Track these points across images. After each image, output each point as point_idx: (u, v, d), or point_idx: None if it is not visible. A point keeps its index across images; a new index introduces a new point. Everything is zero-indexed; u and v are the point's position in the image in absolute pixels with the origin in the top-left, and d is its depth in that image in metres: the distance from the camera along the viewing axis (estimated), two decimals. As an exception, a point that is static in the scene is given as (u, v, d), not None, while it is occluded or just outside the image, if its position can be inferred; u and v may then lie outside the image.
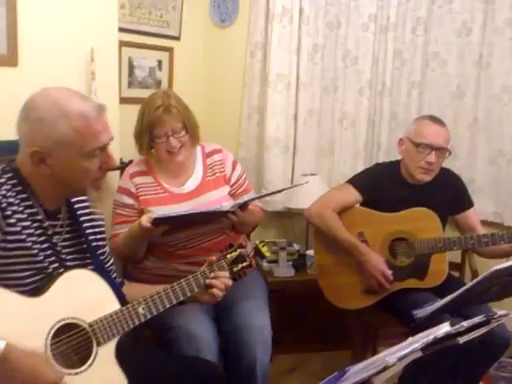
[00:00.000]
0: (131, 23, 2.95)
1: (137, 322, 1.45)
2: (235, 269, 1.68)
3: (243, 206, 2.00)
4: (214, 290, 1.60)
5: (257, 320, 1.98)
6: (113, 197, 2.58)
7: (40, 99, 1.39)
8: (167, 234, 2.00)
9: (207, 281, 1.60)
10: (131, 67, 3.02)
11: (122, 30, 2.67)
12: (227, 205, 2.00)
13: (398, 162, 2.43)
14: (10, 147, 2.10)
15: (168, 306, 1.52)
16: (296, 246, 3.15)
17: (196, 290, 1.59)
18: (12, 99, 2.16)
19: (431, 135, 2.25)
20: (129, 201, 2.12)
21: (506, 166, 3.09)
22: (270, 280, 2.79)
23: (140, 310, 1.46)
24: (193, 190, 2.15)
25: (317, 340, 2.95)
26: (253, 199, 2.11)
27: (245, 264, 1.71)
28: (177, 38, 3.21)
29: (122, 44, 2.78)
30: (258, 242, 3.13)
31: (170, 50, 3.17)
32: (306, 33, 3.16)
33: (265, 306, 2.08)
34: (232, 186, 2.22)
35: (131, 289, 1.62)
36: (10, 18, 2.11)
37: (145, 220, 1.89)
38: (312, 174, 3.16)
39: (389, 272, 2.21)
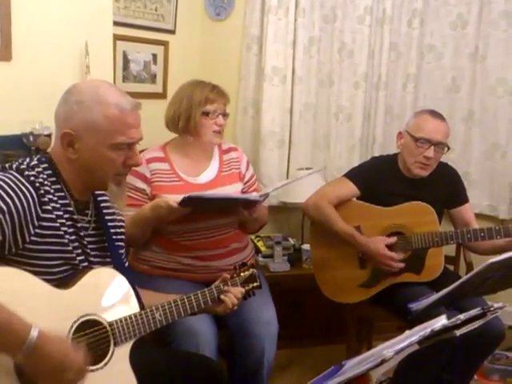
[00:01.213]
0: (126, 17, 2.93)
1: (153, 328, 1.48)
2: (246, 288, 1.74)
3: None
4: (227, 302, 1.66)
5: (265, 314, 2.01)
6: (124, 194, 2.57)
7: (83, 85, 1.46)
8: (180, 221, 2.02)
9: (221, 296, 1.66)
10: (126, 61, 3.00)
11: (116, 23, 2.65)
12: (255, 194, 2.06)
13: (395, 156, 2.43)
14: (6, 142, 2.10)
15: (183, 315, 1.57)
16: (291, 241, 3.15)
17: (210, 303, 1.64)
18: (5, 94, 2.16)
19: (431, 130, 2.25)
20: (141, 185, 2.11)
21: (501, 159, 3.10)
22: (266, 275, 2.78)
23: (157, 315, 1.50)
24: (207, 182, 2.16)
25: (312, 334, 2.96)
26: (277, 188, 2.17)
27: (255, 284, 1.77)
28: (172, 32, 3.19)
29: (117, 38, 2.77)
30: (253, 236, 3.13)
31: (165, 43, 3.15)
32: (302, 26, 3.15)
33: (271, 301, 2.10)
34: (245, 184, 2.26)
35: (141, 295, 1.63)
36: (4, 12, 2.09)
37: (171, 200, 1.91)
38: (307, 168, 3.15)
39: (391, 253, 2.20)
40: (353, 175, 2.39)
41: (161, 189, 2.10)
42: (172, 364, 1.63)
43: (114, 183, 1.47)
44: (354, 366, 1.04)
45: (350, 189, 2.35)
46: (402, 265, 2.22)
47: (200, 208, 2.00)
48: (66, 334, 1.30)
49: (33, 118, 2.14)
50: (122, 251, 1.62)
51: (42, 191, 1.35)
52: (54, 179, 1.41)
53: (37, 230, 1.34)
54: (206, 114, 2.13)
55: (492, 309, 1.16)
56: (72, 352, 1.25)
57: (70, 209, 1.43)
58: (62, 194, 1.42)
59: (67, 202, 1.42)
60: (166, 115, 2.24)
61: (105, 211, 1.56)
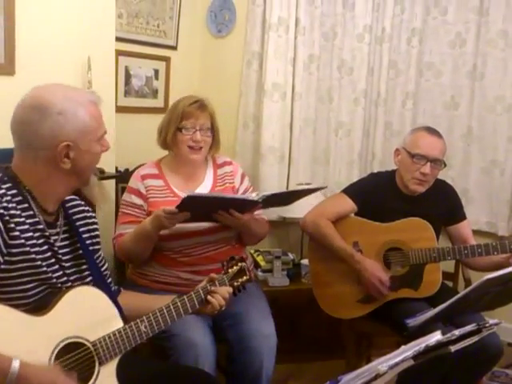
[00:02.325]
0: (128, 32, 2.97)
1: (139, 341, 1.44)
2: (236, 283, 1.69)
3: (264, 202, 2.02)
4: (214, 303, 1.61)
5: (264, 328, 2.00)
6: (110, 204, 2.59)
7: (48, 96, 1.38)
8: (177, 238, 2.04)
9: (208, 297, 1.61)
10: (128, 76, 3.03)
11: (119, 39, 2.69)
12: (254, 195, 2.02)
13: (393, 172, 2.44)
14: (6, 155, 2.12)
15: (170, 323, 1.52)
16: (291, 256, 3.15)
17: (197, 306, 1.59)
18: (9, 108, 2.18)
19: (427, 146, 2.26)
20: (138, 201, 2.11)
21: (500, 176, 3.11)
22: (265, 289, 2.78)
23: (142, 327, 1.45)
24: None
25: (311, 350, 2.95)
26: (280, 193, 2.15)
27: (245, 278, 1.71)
28: (174, 48, 3.23)
29: (119, 53, 2.81)
30: (252, 251, 3.14)
31: (166, 59, 3.19)
32: (302, 43, 3.19)
33: (269, 315, 2.09)
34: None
35: (128, 298, 1.61)
36: (8, 27, 2.12)
37: (168, 207, 1.92)
38: (307, 184, 3.17)
39: (386, 278, 2.21)
40: (351, 191, 2.40)
41: (156, 205, 2.09)
42: (169, 378, 1.62)
43: (94, 174, 1.50)
44: (349, 381, 1.05)
45: (348, 205, 2.36)
46: (387, 292, 2.22)
47: (198, 211, 1.98)
48: (47, 362, 1.27)
49: (35, 132, 2.16)
50: (98, 254, 1.59)
51: (7, 217, 1.31)
52: (19, 198, 1.36)
53: (6, 258, 1.30)
54: (180, 129, 2.11)
55: (487, 325, 1.16)
56: (60, 377, 1.23)
57: (41, 226, 1.39)
58: (31, 212, 1.37)
59: (36, 220, 1.38)
60: None
61: (75, 217, 1.53)
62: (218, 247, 2.12)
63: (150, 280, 2.12)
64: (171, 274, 2.10)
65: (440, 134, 2.32)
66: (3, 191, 1.34)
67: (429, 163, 2.24)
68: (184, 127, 2.11)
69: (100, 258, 1.61)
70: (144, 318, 1.47)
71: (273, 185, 3.25)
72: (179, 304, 1.54)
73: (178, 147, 2.14)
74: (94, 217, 1.61)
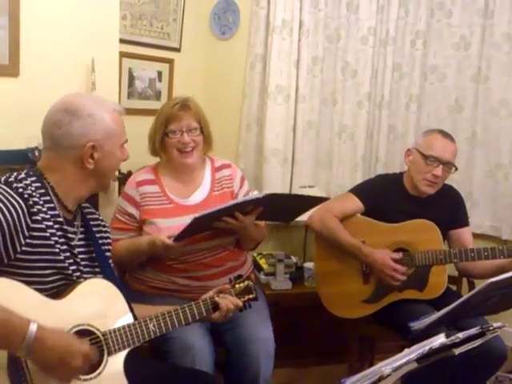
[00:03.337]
0: (132, 34, 2.97)
1: (147, 338, 1.49)
2: (242, 299, 1.73)
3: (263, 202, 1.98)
4: (222, 306, 1.66)
5: (262, 332, 1.98)
6: (110, 206, 2.58)
7: (79, 101, 1.50)
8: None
9: (216, 298, 1.67)
10: (131, 78, 3.03)
11: (122, 41, 2.69)
12: (256, 193, 2.04)
13: (400, 174, 2.45)
14: (13, 156, 2.12)
15: (177, 326, 1.57)
16: (293, 259, 3.14)
17: (204, 314, 1.64)
18: (12, 109, 2.19)
19: (441, 149, 2.27)
20: (130, 209, 2.10)
21: (504, 180, 3.10)
22: (267, 292, 2.77)
23: (151, 326, 1.50)
24: (198, 203, 2.11)
25: (313, 353, 2.94)
26: (282, 194, 2.12)
27: (251, 296, 1.76)
28: (177, 50, 3.23)
29: (123, 55, 2.80)
30: (255, 254, 3.13)
31: (170, 61, 3.19)
32: (306, 45, 3.18)
33: (268, 319, 2.08)
34: None
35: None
36: (13, 29, 2.13)
37: (167, 239, 1.92)
38: (310, 186, 3.17)
39: (396, 264, 2.20)
40: (358, 191, 2.40)
41: (151, 213, 2.07)
42: (168, 378, 1.64)
43: (113, 180, 1.59)
44: (352, 384, 1.04)
45: (355, 204, 2.36)
46: (404, 277, 2.21)
47: (197, 231, 1.98)
48: None
49: (38, 133, 2.13)
50: (110, 261, 1.64)
51: (31, 202, 1.38)
52: (42, 191, 1.43)
53: (28, 241, 1.36)
54: (167, 134, 2.08)
55: (491, 328, 1.16)
56: (75, 341, 1.29)
57: (60, 219, 1.45)
58: (52, 205, 1.44)
59: (57, 212, 1.45)
60: None
61: (92, 223, 1.60)
62: (215, 253, 2.09)
63: (147, 286, 2.11)
64: (168, 279, 2.08)
65: (453, 138, 2.34)
66: (28, 182, 1.42)
67: (441, 165, 2.26)
68: (170, 131, 2.08)
69: (112, 264, 1.65)
70: (153, 316, 1.52)
71: (276, 187, 3.24)
72: (187, 309, 1.60)
73: (167, 152, 2.11)
74: (106, 222, 1.69)
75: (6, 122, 2.16)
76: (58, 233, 1.43)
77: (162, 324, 1.53)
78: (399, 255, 2.24)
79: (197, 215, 1.85)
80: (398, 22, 3.19)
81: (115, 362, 1.41)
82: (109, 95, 2.48)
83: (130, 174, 2.84)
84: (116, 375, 1.41)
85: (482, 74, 3.09)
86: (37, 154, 2.16)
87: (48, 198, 1.44)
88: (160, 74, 3.16)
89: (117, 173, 2.59)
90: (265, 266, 3.06)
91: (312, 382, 2.78)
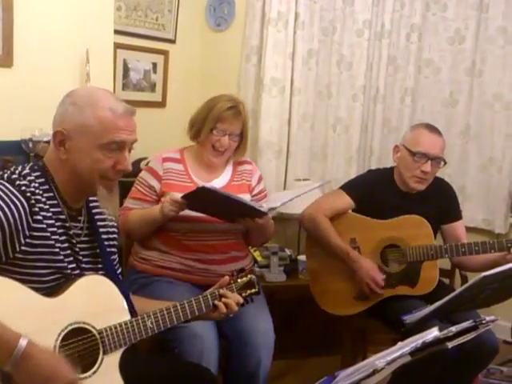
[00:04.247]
0: (127, 25, 2.96)
1: (144, 335, 1.46)
2: (244, 294, 1.70)
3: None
4: (221, 308, 1.62)
5: (261, 324, 2.01)
6: (115, 200, 2.59)
7: (82, 89, 1.50)
8: (186, 220, 2.05)
9: (216, 301, 1.63)
10: (126, 69, 3.02)
11: (117, 32, 2.68)
12: (265, 206, 2.05)
13: (391, 169, 2.43)
14: (6, 147, 2.11)
15: (176, 322, 1.54)
16: (288, 251, 3.15)
17: (204, 310, 1.61)
18: (6, 100, 2.18)
19: (428, 144, 2.25)
20: (152, 182, 2.16)
21: (497, 174, 3.12)
22: (262, 285, 2.77)
23: (148, 323, 1.47)
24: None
25: (307, 346, 2.95)
26: (284, 203, 2.15)
27: (253, 290, 1.73)
28: (172, 41, 3.22)
29: (117, 46, 2.79)
30: (249, 246, 3.13)
31: (165, 52, 3.18)
32: (301, 38, 3.18)
33: (267, 311, 2.10)
34: (253, 197, 2.27)
35: (135, 302, 1.62)
36: (6, 19, 2.12)
37: (175, 195, 1.98)
38: (305, 179, 3.17)
39: (380, 278, 2.22)
40: (348, 188, 2.39)
41: (171, 187, 2.13)
42: (166, 373, 1.62)
43: (105, 188, 1.46)
44: (346, 377, 1.05)
45: (346, 201, 2.36)
46: (383, 292, 2.23)
47: (208, 205, 2.01)
48: (53, 343, 1.29)
49: (32, 125, 2.15)
50: (115, 257, 1.61)
51: (33, 201, 1.35)
52: (46, 187, 1.41)
53: (27, 240, 1.34)
54: (212, 130, 2.14)
55: (484, 322, 1.16)
56: (62, 363, 1.25)
57: (63, 216, 1.43)
58: (55, 201, 1.42)
59: (59, 209, 1.42)
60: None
61: (97, 217, 1.56)
62: (224, 238, 2.15)
63: (152, 265, 2.13)
64: (173, 259, 2.11)
65: (440, 132, 2.32)
66: (32, 178, 1.39)
67: (430, 161, 2.24)
68: (216, 129, 2.14)
69: (115, 261, 1.63)
70: (151, 313, 1.49)
71: (270, 180, 3.24)
72: (186, 305, 1.57)
73: (204, 143, 2.18)
74: (115, 221, 1.65)
75: (0, 112, 2.15)
76: (60, 230, 1.41)
77: (161, 321, 1.50)
78: (382, 276, 2.23)
79: (205, 185, 1.91)
80: (394, 15, 3.19)
81: (111, 361, 1.39)
82: (103, 87, 2.44)
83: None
84: (111, 374, 1.39)
85: (477, 67, 3.10)
86: (31, 145, 2.15)
87: (51, 194, 1.42)
88: (155, 65, 3.15)
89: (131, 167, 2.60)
90: (259, 259, 3.07)
91: (305, 374, 2.79)
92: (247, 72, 3.27)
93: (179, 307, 1.55)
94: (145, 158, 2.76)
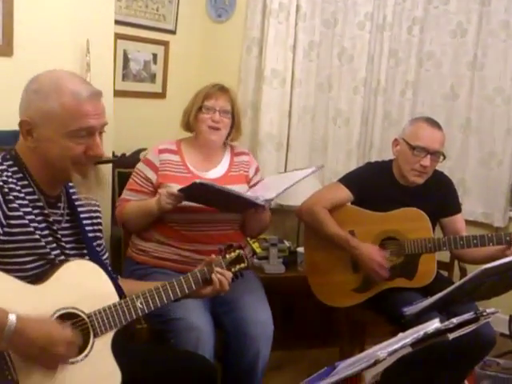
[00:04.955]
0: (127, 16, 2.95)
1: (134, 316, 1.46)
2: (233, 269, 1.69)
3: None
4: (215, 281, 1.61)
5: (260, 315, 2.02)
6: (105, 188, 2.58)
7: (44, 74, 1.42)
8: (184, 211, 2.06)
9: (212, 275, 1.61)
10: (126, 60, 3.01)
11: (117, 22, 2.66)
12: (261, 199, 2.06)
13: (390, 162, 2.43)
14: (5, 137, 2.10)
15: (166, 301, 1.53)
16: (287, 243, 3.15)
17: (194, 287, 1.59)
18: (6, 89, 2.16)
19: (427, 139, 2.24)
20: (149, 173, 2.17)
21: (497, 168, 3.12)
22: (260, 276, 2.77)
23: (138, 303, 1.47)
24: (215, 179, 2.18)
25: (305, 337, 2.96)
26: (280, 193, 2.16)
27: (243, 265, 1.71)
28: (172, 32, 3.20)
29: (118, 36, 2.78)
30: (248, 238, 3.13)
31: (165, 43, 3.16)
32: (303, 30, 3.17)
33: (266, 302, 2.11)
34: (250, 188, 2.27)
35: (124, 284, 1.62)
36: (6, 8, 2.10)
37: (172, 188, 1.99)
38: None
39: (384, 260, 2.21)
40: (347, 181, 2.39)
41: (167, 178, 2.14)
42: (165, 362, 1.62)
43: (79, 174, 1.44)
44: (347, 367, 1.05)
45: (344, 194, 2.35)
46: (388, 274, 2.22)
47: (205, 198, 2.02)
48: None
49: (32, 114, 2.14)
50: (100, 242, 1.61)
51: (7, 189, 1.34)
52: (20, 175, 1.39)
53: (5, 229, 1.33)
54: (201, 108, 2.18)
55: (485, 313, 1.17)
56: (56, 328, 1.26)
57: (40, 204, 1.41)
58: (31, 189, 1.40)
59: (36, 197, 1.41)
60: None
61: (78, 203, 1.54)
62: (222, 228, 2.15)
63: (150, 256, 2.14)
64: (171, 250, 2.12)
65: (439, 125, 2.31)
66: (4, 167, 1.38)
67: (429, 155, 2.23)
68: (205, 107, 2.18)
69: (101, 247, 1.62)
70: (140, 294, 1.48)
71: (270, 172, 3.23)
72: (175, 283, 1.55)
73: (198, 126, 2.21)
74: (98, 205, 1.63)
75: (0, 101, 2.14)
76: (38, 218, 1.40)
77: (150, 301, 1.48)
78: (387, 252, 2.24)
79: (201, 181, 1.93)
80: (395, 7, 3.18)
81: (102, 344, 1.39)
82: (104, 77, 2.47)
83: (123, 156, 2.84)
84: (103, 356, 1.39)
85: (478, 61, 3.09)
86: (30, 134, 2.14)
87: (26, 182, 1.40)
88: (155, 56, 3.13)
89: (110, 154, 2.60)
90: (258, 250, 3.05)
91: (303, 366, 2.80)
92: (248, 64, 3.26)
93: (168, 286, 1.54)
94: (144, 149, 2.76)
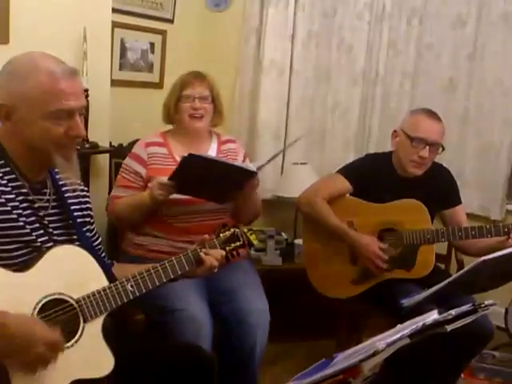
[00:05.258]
0: (124, 4, 2.91)
1: (125, 300, 1.44)
2: (228, 248, 1.66)
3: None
4: (206, 262, 1.58)
5: (258, 304, 2.03)
6: (101, 178, 2.57)
7: (18, 56, 1.40)
8: (177, 203, 2.05)
9: (201, 254, 1.58)
10: (123, 49, 2.98)
11: (115, 10, 2.63)
12: (252, 166, 2.05)
13: (389, 154, 2.43)
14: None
15: (158, 283, 1.50)
16: (284, 235, 3.15)
17: (187, 268, 1.57)
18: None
19: (427, 130, 2.24)
20: (137, 168, 2.15)
21: (495, 160, 3.12)
22: (258, 268, 2.77)
23: (128, 287, 1.44)
24: None
25: (302, 329, 2.96)
26: (268, 161, 2.16)
27: (238, 243, 1.68)
28: (170, 21, 3.17)
29: (115, 25, 2.75)
30: (246, 230, 3.12)
31: (162, 32, 3.13)
32: (301, 20, 3.15)
33: (262, 292, 2.12)
34: None
35: (121, 268, 1.60)
36: (2, -5, 2.08)
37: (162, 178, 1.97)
38: (302, 163, 3.16)
39: (381, 251, 2.22)
40: (346, 172, 2.39)
41: (157, 171, 2.12)
42: (162, 352, 1.61)
43: (62, 157, 1.41)
44: (345, 358, 1.05)
45: (343, 185, 2.35)
46: (386, 265, 2.23)
47: (196, 179, 1.97)
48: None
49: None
50: (91, 227, 1.59)
51: None
52: (1, 162, 1.38)
53: None
54: (180, 99, 2.18)
55: (483, 305, 1.17)
56: (40, 327, 1.24)
57: (24, 190, 1.40)
58: (13, 176, 1.38)
59: (19, 183, 1.39)
60: None
61: (64, 189, 1.52)
62: (216, 217, 2.14)
63: (145, 249, 2.14)
64: (165, 242, 2.12)
65: (439, 117, 2.31)
66: None
67: (428, 147, 2.23)
68: (184, 96, 2.17)
69: (93, 232, 1.61)
70: (130, 276, 1.46)
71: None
72: (167, 265, 1.53)
73: (180, 117, 2.20)
74: (87, 190, 1.61)
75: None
76: (23, 204, 1.38)
77: (141, 283, 1.45)
78: (385, 245, 2.24)
79: (191, 153, 1.90)
80: (395, -3, 3.16)
81: (93, 329, 1.38)
82: (101, 66, 2.45)
83: (120, 146, 2.81)
84: (95, 341, 1.38)
85: (477, 53, 3.08)
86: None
87: (8, 168, 1.38)
88: (152, 45, 3.11)
89: (107, 145, 2.59)
90: (255, 242, 3.04)
91: (300, 358, 2.80)
92: (246, 53, 3.24)
93: (160, 268, 1.51)
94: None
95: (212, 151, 2.26)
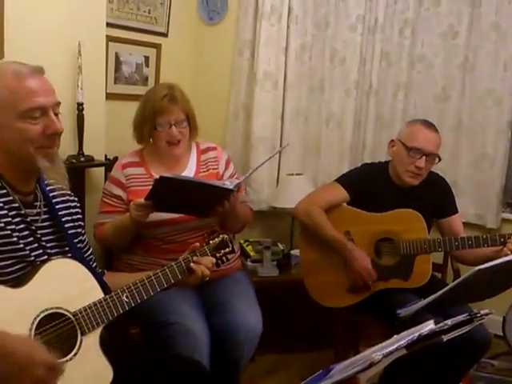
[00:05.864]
0: (119, 18, 2.93)
1: (121, 311, 1.45)
2: (218, 255, 1.69)
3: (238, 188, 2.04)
4: (197, 271, 1.61)
5: (250, 319, 2.00)
6: (96, 192, 2.57)
7: None
8: (159, 224, 2.02)
9: (191, 264, 1.61)
10: (118, 63, 2.99)
11: (109, 24, 2.64)
12: (229, 184, 2.00)
13: (386, 163, 2.45)
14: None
15: (152, 293, 1.52)
16: (280, 246, 3.15)
17: (179, 276, 1.59)
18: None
19: (423, 140, 2.26)
20: (117, 191, 2.12)
21: (489, 169, 3.13)
22: (254, 279, 2.78)
23: (124, 297, 1.45)
24: None
25: (299, 340, 2.95)
26: (246, 177, 2.16)
27: (227, 250, 1.72)
28: (164, 35, 3.19)
29: (109, 39, 2.76)
30: (242, 241, 3.13)
31: (157, 46, 3.15)
32: (295, 32, 3.17)
33: (256, 304, 2.10)
34: None
35: (112, 277, 1.61)
36: (-4, 10, 2.08)
37: (137, 199, 1.93)
38: (297, 174, 3.16)
39: (373, 271, 2.23)
40: (343, 181, 2.40)
41: (137, 193, 2.08)
42: (159, 366, 1.61)
43: (45, 158, 1.40)
44: (342, 370, 1.05)
45: (341, 194, 2.36)
46: (374, 285, 2.25)
47: (173, 198, 1.93)
48: (27, 332, 1.28)
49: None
50: (82, 238, 1.59)
51: None
52: None
53: None
54: (155, 127, 2.09)
55: (479, 315, 1.17)
56: (38, 348, 1.23)
57: (16, 205, 1.40)
58: (4, 191, 1.38)
59: (10, 198, 1.39)
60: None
61: (55, 200, 1.52)
62: (201, 233, 2.09)
63: (135, 269, 2.11)
64: (155, 262, 2.10)
65: (436, 128, 2.33)
66: None
67: (424, 157, 2.25)
68: (158, 124, 2.08)
69: (84, 243, 1.61)
70: (125, 287, 1.47)
71: (263, 175, 3.24)
72: (160, 274, 1.55)
73: (155, 142, 2.14)
74: (77, 201, 1.62)
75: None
76: (16, 219, 1.38)
77: (136, 294, 1.47)
78: (374, 271, 2.25)
79: (162, 175, 1.85)
80: (387, 10, 3.18)
81: (90, 341, 1.38)
82: (96, 80, 2.46)
83: (116, 159, 2.81)
84: (93, 354, 1.39)
85: (469, 63, 3.10)
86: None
87: None
88: (147, 58, 3.12)
89: (103, 158, 2.59)
90: (252, 253, 3.06)
91: (297, 368, 2.79)
92: (240, 66, 3.25)
93: (153, 277, 1.53)
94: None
95: (192, 164, 2.20)
